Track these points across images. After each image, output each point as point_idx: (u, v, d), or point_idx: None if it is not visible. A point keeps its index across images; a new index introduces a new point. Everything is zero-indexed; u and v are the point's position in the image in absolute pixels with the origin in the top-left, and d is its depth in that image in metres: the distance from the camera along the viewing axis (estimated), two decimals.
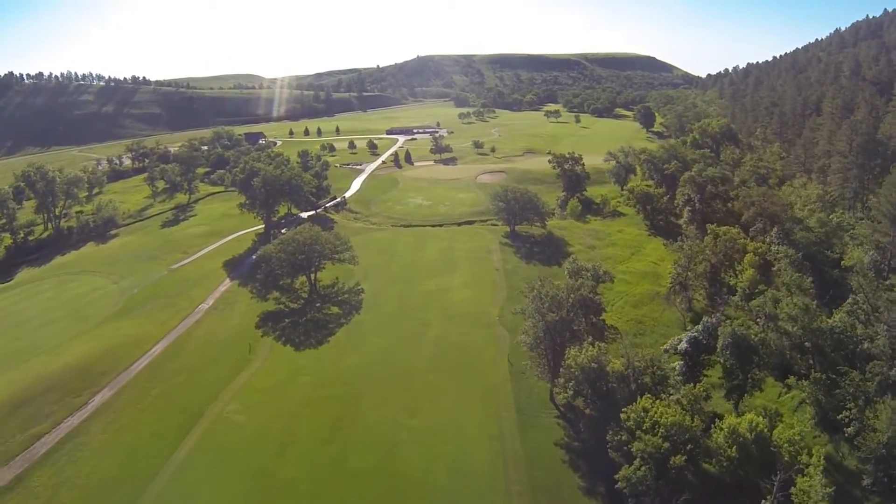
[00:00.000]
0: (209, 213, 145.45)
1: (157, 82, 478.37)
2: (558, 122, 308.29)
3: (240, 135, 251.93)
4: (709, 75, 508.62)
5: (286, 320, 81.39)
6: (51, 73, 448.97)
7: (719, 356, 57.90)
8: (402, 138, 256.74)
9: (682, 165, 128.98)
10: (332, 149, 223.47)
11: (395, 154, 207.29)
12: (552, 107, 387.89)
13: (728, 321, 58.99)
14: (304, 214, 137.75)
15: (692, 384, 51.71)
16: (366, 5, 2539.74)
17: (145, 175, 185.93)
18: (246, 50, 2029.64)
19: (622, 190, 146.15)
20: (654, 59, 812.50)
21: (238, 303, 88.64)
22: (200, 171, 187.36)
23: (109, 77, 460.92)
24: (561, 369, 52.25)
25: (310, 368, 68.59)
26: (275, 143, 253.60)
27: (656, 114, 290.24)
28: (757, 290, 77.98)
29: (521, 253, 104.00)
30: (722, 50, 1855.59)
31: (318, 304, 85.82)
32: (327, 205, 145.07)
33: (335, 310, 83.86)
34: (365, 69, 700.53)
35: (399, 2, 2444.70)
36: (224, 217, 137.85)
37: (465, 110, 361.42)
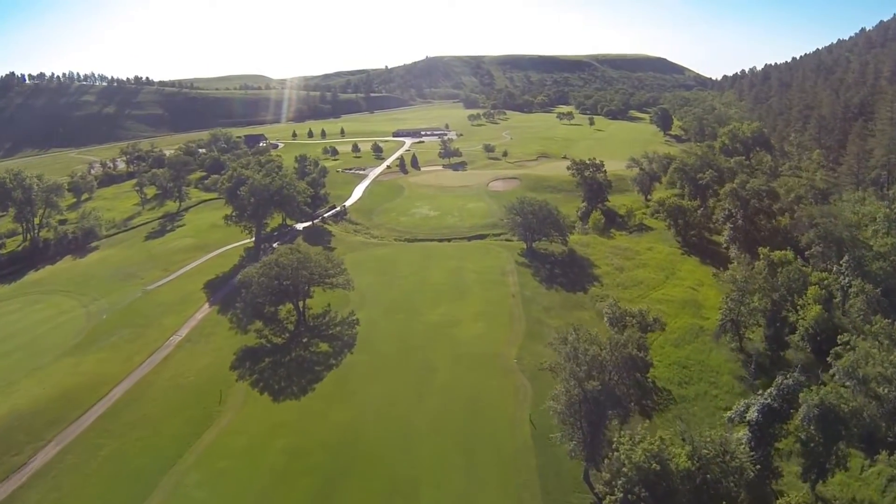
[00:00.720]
0: (198, 224, 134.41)
1: (161, 83, 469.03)
2: (571, 125, 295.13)
3: (238, 137, 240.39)
4: (725, 77, 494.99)
5: (266, 359, 69.53)
6: (52, 74, 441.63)
7: (800, 431, 45.72)
8: (409, 141, 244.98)
9: (717, 175, 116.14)
10: (334, 152, 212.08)
11: (401, 158, 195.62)
12: (564, 108, 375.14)
13: (813, 388, 46.47)
14: (300, 226, 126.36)
15: (788, 498, 39.16)
16: (375, 6, 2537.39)
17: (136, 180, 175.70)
18: (254, 51, 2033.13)
19: (647, 200, 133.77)
20: (665, 60, 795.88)
21: (214, 335, 77.10)
22: (196, 175, 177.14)
23: (112, 77, 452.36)
24: (606, 460, 40.04)
25: (289, 427, 56.79)
26: (276, 146, 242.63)
27: (673, 116, 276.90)
28: (823, 331, 65.52)
29: (540, 275, 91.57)
30: (725, 50, 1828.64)
31: (304, 340, 73.89)
32: (325, 215, 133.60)
33: (324, 347, 71.88)
34: (373, 70, 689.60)
35: (408, 2, 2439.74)
36: (213, 228, 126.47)
37: (474, 112, 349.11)
